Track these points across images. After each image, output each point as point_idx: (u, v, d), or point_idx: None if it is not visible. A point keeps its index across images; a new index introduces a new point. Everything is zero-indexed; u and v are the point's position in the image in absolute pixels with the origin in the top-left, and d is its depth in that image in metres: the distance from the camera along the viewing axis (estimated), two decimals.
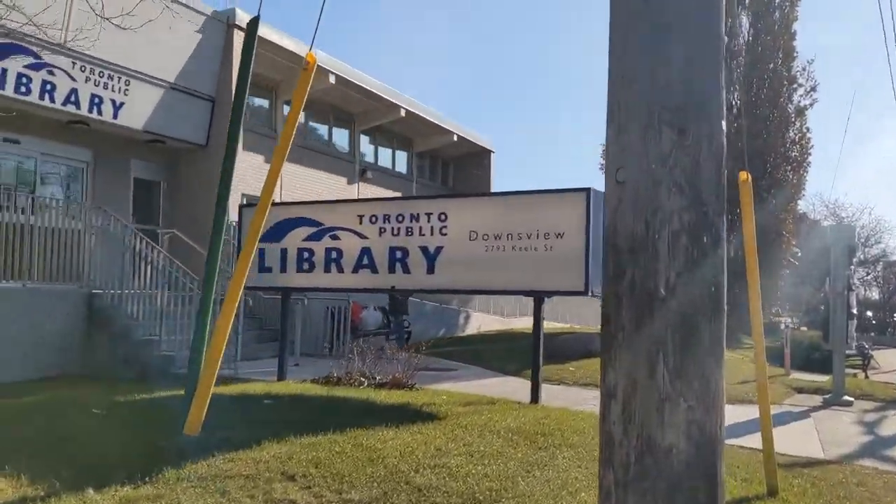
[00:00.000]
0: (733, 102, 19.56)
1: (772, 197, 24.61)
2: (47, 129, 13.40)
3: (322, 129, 20.62)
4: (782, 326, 19.52)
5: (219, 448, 5.20)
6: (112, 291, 11.54)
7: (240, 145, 15.85)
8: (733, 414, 8.95)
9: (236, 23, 15.84)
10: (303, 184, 18.64)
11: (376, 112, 21.01)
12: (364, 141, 22.12)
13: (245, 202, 13.18)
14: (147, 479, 4.54)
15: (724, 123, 2.91)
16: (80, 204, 12.94)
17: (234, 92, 6.23)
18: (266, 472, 4.70)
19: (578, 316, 27.10)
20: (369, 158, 22.43)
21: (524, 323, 21.34)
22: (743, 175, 5.26)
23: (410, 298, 16.28)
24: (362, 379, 9.06)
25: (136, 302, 11.50)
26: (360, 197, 19.49)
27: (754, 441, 6.92)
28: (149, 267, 11.75)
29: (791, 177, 26.63)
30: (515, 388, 10.00)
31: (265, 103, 18.57)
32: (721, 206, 2.87)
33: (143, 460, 4.88)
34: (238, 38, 15.91)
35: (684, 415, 2.77)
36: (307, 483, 4.58)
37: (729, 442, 7.26)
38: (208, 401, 5.14)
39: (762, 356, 5.82)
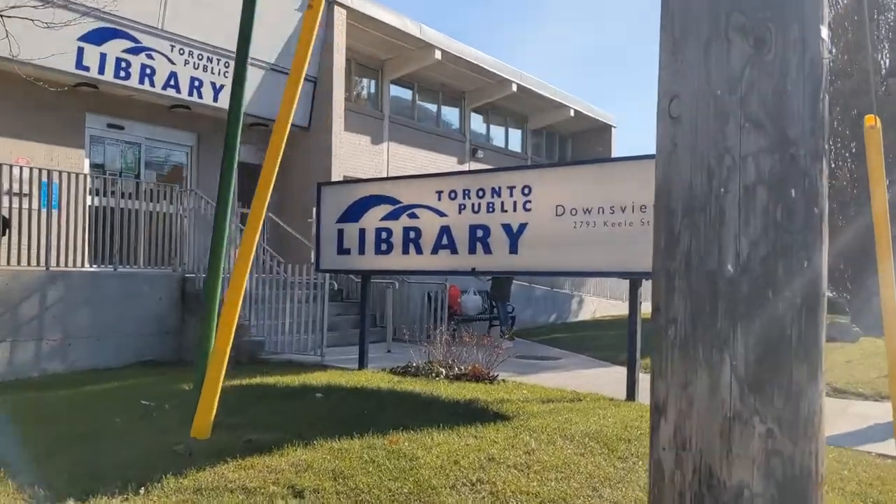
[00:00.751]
0: (882, 61, 17.43)
1: None
2: (150, 114, 13.50)
3: (430, 108, 20.06)
4: None
5: (234, 453, 4.61)
6: (203, 275, 11.38)
7: (341, 126, 15.77)
8: (873, 413, 7.67)
9: (337, 0, 15.49)
10: (411, 164, 18.17)
11: (487, 88, 20.22)
12: (476, 119, 21.43)
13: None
14: (141, 489, 4.00)
15: (824, 31, 1.98)
16: (175, 187, 12.93)
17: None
18: (273, 486, 4.03)
19: None
20: (481, 137, 21.70)
21: (644, 308, 20.04)
22: (870, 119, 4.03)
23: (517, 282, 15.40)
24: (441, 369, 8.36)
25: (227, 286, 11.27)
26: None
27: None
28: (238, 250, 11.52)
29: None
30: (620, 379, 9.04)
31: (370, 83, 18.19)
32: (818, 147, 1.95)
33: (149, 466, 4.35)
34: (339, 17, 15.57)
35: (761, 442, 1.95)
36: (316, 500, 3.87)
37: (864, 448, 6.10)
38: (216, 400, 4.57)
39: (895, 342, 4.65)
